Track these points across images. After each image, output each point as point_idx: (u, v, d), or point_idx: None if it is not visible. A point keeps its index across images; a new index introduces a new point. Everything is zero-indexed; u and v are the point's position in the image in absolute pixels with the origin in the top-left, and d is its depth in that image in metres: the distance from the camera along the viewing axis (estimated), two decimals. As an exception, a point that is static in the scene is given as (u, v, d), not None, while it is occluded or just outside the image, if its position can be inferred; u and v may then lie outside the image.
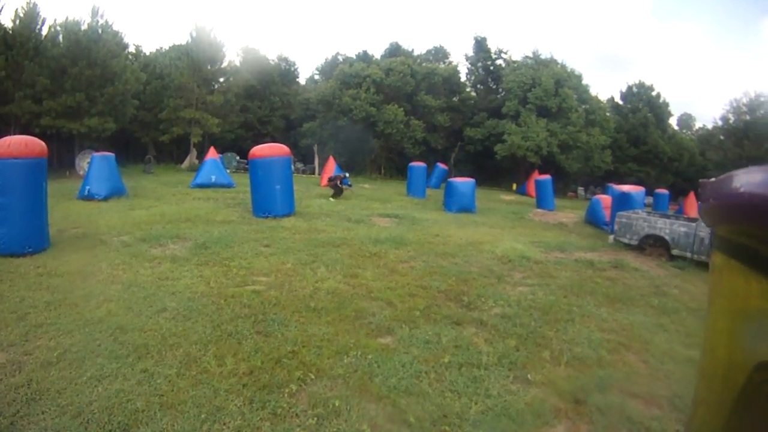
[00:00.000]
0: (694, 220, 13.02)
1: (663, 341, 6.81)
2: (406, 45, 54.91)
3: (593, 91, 47.01)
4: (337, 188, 21.72)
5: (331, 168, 27.82)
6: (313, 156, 42.92)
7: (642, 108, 48.77)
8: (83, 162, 26.15)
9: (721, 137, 46.18)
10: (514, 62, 48.32)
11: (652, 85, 50.89)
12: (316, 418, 4.29)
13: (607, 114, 47.16)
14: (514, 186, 42.25)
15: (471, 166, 44.22)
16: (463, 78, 51.97)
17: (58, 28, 29.27)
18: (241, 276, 8.46)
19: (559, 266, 11.05)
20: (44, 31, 29.23)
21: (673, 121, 55.13)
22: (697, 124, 62.67)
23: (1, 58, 26.80)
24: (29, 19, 28.47)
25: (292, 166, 19.00)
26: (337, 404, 4.51)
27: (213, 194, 20.33)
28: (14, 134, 15.30)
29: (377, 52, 54.05)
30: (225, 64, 40.82)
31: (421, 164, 28.84)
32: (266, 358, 5.34)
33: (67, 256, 9.20)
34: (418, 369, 5.34)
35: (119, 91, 29.76)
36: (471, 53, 51.93)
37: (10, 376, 4.66)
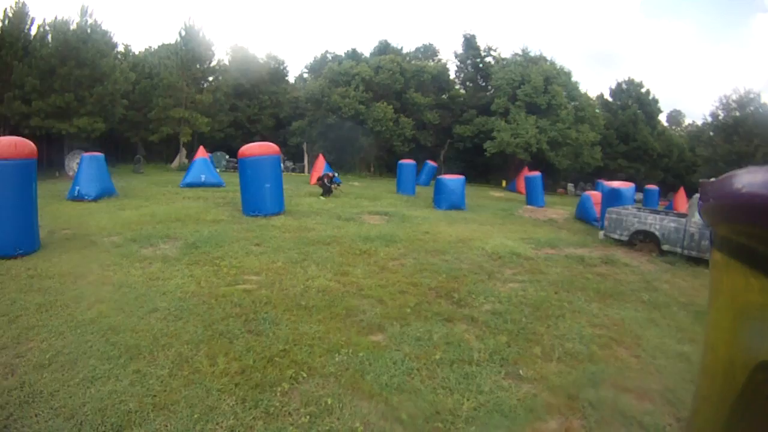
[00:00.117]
0: (683, 215, 13.11)
1: (654, 336, 6.87)
2: (395, 43, 54.92)
3: (583, 88, 47.25)
4: (325, 187, 21.68)
5: (321, 166, 27.78)
6: (302, 154, 42.86)
7: (631, 105, 49.02)
8: (73, 162, 25.93)
9: (711, 133, 46.35)
10: (503, 59, 48.25)
11: (641, 81, 51.22)
12: (308, 417, 4.31)
13: (597, 111, 47.26)
14: (504, 183, 42.42)
15: (461, 164, 44.11)
16: (452, 75, 51.95)
17: (47, 27, 28.90)
18: (231, 275, 8.45)
19: (550, 262, 11.11)
20: (33, 31, 28.89)
21: (662, 118, 55.51)
22: (687, 121, 63.45)
23: (-9, 59, 26.52)
24: (18, 19, 28.10)
25: (282, 165, 18.92)
26: (329, 402, 4.53)
27: (203, 193, 20.24)
28: (4, 135, 15.16)
29: (366, 50, 53.90)
30: (214, 63, 40.68)
31: (410, 162, 28.78)
32: (258, 357, 5.35)
33: (58, 257, 9.16)
34: (409, 366, 5.36)
35: (108, 90, 29.47)
36: (460, 51, 51.87)
37: (3, 379, 4.65)
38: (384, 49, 51.66)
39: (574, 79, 45.08)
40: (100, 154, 18.64)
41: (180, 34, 37.59)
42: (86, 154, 18.51)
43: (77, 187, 17.12)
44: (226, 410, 4.33)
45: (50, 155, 28.57)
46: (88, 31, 29.53)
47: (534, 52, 47.02)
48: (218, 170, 29.18)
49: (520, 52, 47.26)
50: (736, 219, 1.33)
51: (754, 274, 1.20)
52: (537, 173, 28.45)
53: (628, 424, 4.56)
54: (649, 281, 10.09)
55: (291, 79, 53.97)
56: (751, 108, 42.74)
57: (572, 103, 43.43)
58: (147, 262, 9.03)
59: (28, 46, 27.90)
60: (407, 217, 16.53)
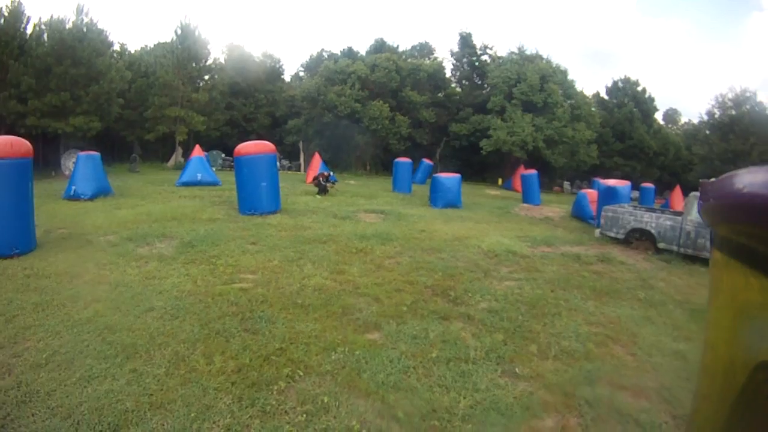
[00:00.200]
0: (679, 214, 13.15)
1: (650, 334, 6.90)
2: (391, 41, 55.06)
3: (579, 87, 47.29)
4: (321, 185, 21.69)
5: (317, 165, 27.76)
6: (298, 153, 42.83)
7: (627, 103, 49.23)
8: (69, 162, 25.81)
9: (707, 132, 46.54)
10: (499, 58, 48.36)
11: (637, 80, 51.62)
12: (305, 415, 4.31)
13: (593, 109, 47.39)
14: (500, 181, 42.47)
15: (457, 162, 44.19)
16: (448, 74, 52.00)
17: (43, 26, 28.79)
18: (227, 274, 8.45)
19: (546, 260, 11.14)
20: (29, 30, 28.70)
21: (658, 116, 55.83)
22: (683, 119, 63.57)
23: (-13, 58, 26.39)
24: (14, 17, 27.91)
25: (278, 163, 18.89)
26: (325, 401, 4.54)
27: (199, 192, 20.21)
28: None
29: (362, 48, 54.08)
30: (210, 61, 40.49)
31: (406, 160, 28.82)
32: (254, 355, 5.35)
33: (54, 256, 9.14)
34: (406, 364, 5.37)
35: (104, 89, 29.37)
36: (456, 49, 52.04)
37: (0, 379, 4.64)
38: (380, 47, 51.71)
39: (570, 77, 45.30)
40: (96, 153, 18.60)
41: (176, 32, 37.38)
42: (82, 153, 18.48)
43: (73, 187, 17.08)
44: (222, 409, 4.33)
45: (46, 154, 28.47)
46: (84, 29, 29.42)
47: (530, 50, 47.27)
48: (214, 169, 29.08)
49: (516, 51, 47.41)
50: (737, 219, 1.33)
51: (754, 273, 1.21)
52: (533, 171, 28.49)
53: (624, 422, 4.58)
54: (645, 279, 10.13)
55: (287, 77, 54.09)
56: (747, 106, 42.96)
57: (568, 102, 43.52)
58: (143, 261, 9.01)
59: (23, 45, 27.75)
60: (403, 216, 16.53)
